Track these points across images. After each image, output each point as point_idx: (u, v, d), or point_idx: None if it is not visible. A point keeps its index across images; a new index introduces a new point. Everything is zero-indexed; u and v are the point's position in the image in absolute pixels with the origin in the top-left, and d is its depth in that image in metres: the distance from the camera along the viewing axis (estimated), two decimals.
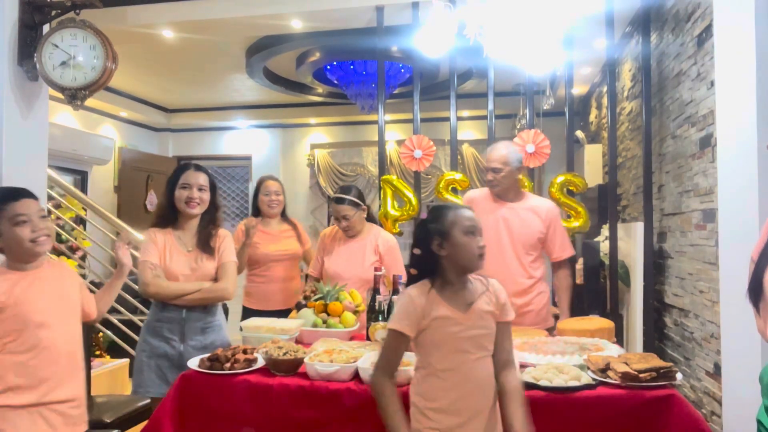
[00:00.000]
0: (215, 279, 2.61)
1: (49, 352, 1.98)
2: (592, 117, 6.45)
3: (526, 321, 2.93)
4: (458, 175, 3.81)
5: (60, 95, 2.80)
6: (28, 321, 1.95)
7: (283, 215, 3.65)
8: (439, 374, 1.73)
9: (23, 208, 2.00)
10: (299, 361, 2.10)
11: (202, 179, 2.65)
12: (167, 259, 2.58)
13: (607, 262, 3.92)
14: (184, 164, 2.72)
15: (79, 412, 2.07)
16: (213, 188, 2.70)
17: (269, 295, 3.43)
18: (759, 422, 1.61)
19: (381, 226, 3.42)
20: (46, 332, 1.98)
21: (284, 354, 2.10)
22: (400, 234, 3.97)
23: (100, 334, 4.60)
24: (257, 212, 3.59)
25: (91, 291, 2.36)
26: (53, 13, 2.85)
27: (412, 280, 1.82)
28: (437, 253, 1.75)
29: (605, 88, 4.65)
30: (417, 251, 1.79)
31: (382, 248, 3.11)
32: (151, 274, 2.54)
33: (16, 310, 1.94)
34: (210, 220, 2.69)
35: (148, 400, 2.81)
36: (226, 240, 2.69)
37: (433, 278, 1.78)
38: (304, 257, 3.65)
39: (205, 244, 2.63)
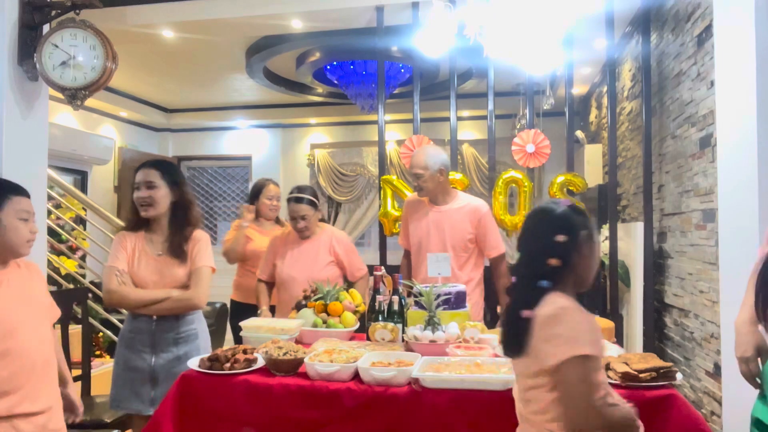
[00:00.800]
0: (187, 285, 2.43)
1: (21, 361, 1.83)
2: (592, 117, 6.45)
3: None
4: (458, 175, 3.81)
5: (60, 95, 2.80)
6: None
7: (277, 219, 3.79)
8: None
9: (29, 206, 1.99)
10: (299, 361, 2.10)
11: (152, 175, 2.41)
12: (135, 264, 2.42)
13: (607, 262, 3.92)
14: (142, 162, 2.52)
15: (58, 427, 1.95)
16: (175, 184, 2.46)
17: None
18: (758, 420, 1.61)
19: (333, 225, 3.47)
20: (16, 340, 1.83)
21: (284, 354, 2.10)
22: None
23: (101, 334, 4.60)
24: (255, 213, 3.67)
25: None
26: (53, 13, 2.85)
27: (550, 272, 1.47)
28: (570, 256, 1.47)
29: (605, 88, 4.65)
30: (562, 238, 1.46)
31: (339, 248, 3.09)
32: (117, 281, 2.38)
33: None
34: (183, 221, 2.46)
35: None
36: (201, 243, 2.47)
37: (555, 288, 1.46)
38: None
39: (177, 247, 2.43)
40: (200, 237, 2.49)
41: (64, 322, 2.93)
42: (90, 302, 3.81)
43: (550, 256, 1.46)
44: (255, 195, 3.69)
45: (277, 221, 3.78)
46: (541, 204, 1.58)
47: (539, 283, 1.46)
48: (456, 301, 2.56)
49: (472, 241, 3.06)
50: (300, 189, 3.06)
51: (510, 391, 1.92)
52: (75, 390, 2.20)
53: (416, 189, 3.09)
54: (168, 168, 2.47)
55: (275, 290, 3.20)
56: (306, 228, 3.05)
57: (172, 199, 2.47)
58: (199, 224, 2.53)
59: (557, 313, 1.41)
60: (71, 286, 4.54)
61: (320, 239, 3.09)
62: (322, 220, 3.24)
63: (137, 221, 2.48)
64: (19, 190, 2.00)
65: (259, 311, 3.03)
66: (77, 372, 2.96)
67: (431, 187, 3.03)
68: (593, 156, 5.70)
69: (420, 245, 3.09)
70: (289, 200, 3.06)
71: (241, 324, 2.58)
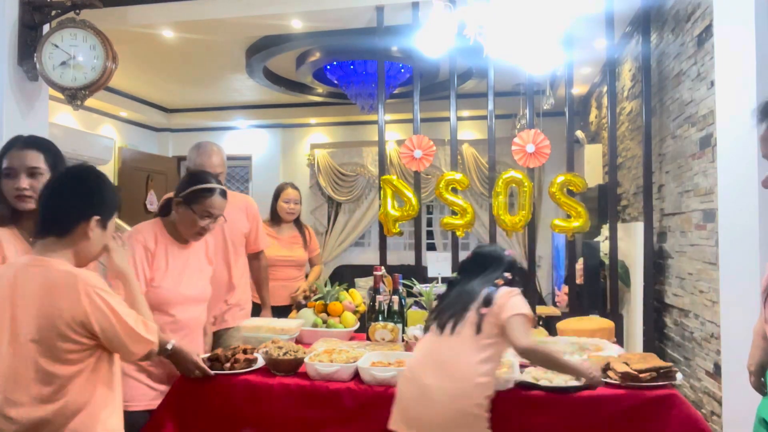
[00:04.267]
0: None
1: None
2: (592, 117, 6.45)
3: (238, 317, 2.87)
4: (458, 175, 3.81)
5: (60, 95, 2.81)
6: None
7: (296, 220, 3.72)
8: None
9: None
10: (299, 361, 2.10)
11: (34, 159, 1.87)
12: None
13: (607, 262, 3.92)
14: (10, 140, 1.94)
15: None
16: (57, 169, 1.89)
17: (272, 291, 3.37)
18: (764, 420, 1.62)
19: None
20: None
21: (284, 354, 2.10)
22: (400, 234, 3.97)
23: None
24: (275, 216, 3.66)
25: None
26: (53, 13, 2.85)
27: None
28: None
29: (605, 88, 4.65)
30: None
31: (212, 251, 2.48)
32: None
33: None
34: None
35: None
36: None
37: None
38: (310, 261, 3.76)
39: None
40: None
41: None
42: None
43: None
44: (275, 198, 3.69)
45: (296, 222, 3.72)
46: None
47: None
48: None
49: (246, 235, 2.98)
50: (216, 179, 2.32)
51: (510, 390, 1.93)
52: None
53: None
54: (50, 149, 1.94)
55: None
56: (208, 229, 2.29)
57: None
58: None
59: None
60: None
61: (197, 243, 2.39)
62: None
63: (5, 215, 1.88)
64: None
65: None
66: None
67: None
68: (593, 156, 5.70)
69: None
70: (207, 193, 2.23)
71: (242, 324, 2.58)
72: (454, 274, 2.14)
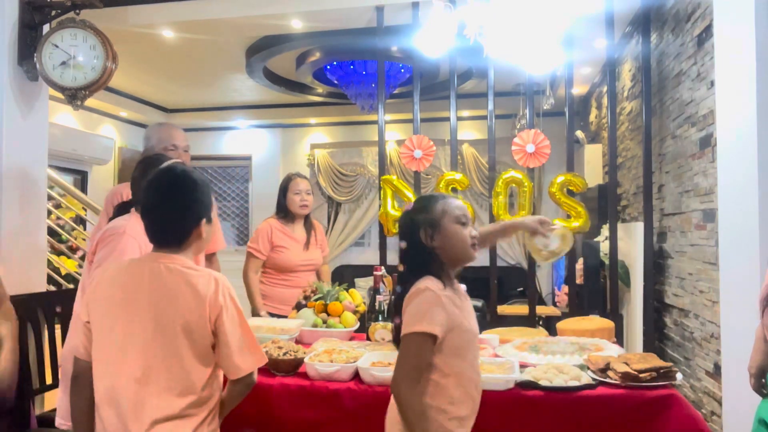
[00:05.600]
0: None
1: None
2: (592, 117, 6.45)
3: None
4: (458, 175, 3.81)
5: (60, 95, 2.80)
6: None
7: (307, 219, 3.45)
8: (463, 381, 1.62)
9: None
10: (299, 361, 2.10)
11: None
12: None
13: (607, 262, 3.92)
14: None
15: None
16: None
17: (287, 299, 3.23)
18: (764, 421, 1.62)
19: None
20: None
21: (284, 354, 2.10)
22: None
23: None
24: (284, 212, 3.38)
25: None
26: (53, 13, 2.85)
27: (402, 277, 1.66)
28: (427, 244, 1.63)
29: (605, 88, 4.65)
30: (403, 244, 1.67)
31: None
32: None
33: None
34: None
35: None
36: None
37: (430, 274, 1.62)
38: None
39: None
40: None
41: (65, 322, 2.93)
42: None
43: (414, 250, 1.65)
44: (283, 192, 3.38)
45: (307, 221, 3.43)
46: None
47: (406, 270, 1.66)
48: None
49: None
50: None
51: (510, 390, 1.93)
52: None
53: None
54: None
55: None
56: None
57: None
58: None
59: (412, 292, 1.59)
60: (71, 286, 4.54)
61: None
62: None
63: None
64: None
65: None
66: None
67: None
68: (593, 156, 5.70)
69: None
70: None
71: None
72: None
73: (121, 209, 2.18)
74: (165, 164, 1.76)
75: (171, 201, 1.64)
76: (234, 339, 1.58)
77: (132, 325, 1.56)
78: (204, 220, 1.67)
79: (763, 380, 1.81)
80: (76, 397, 1.64)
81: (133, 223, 2.01)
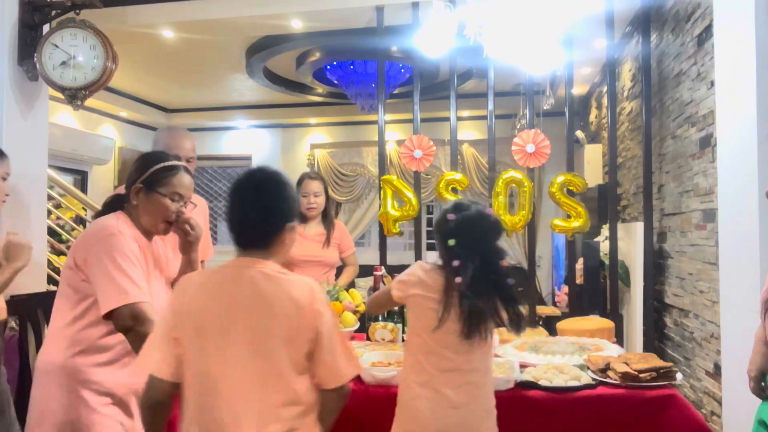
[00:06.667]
0: None
1: None
2: (592, 117, 6.45)
3: None
4: (458, 175, 3.81)
5: (60, 95, 2.80)
6: None
7: (325, 217, 3.35)
8: None
9: None
10: None
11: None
12: None
13: (607, 262, 3.92)
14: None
15: None
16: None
17: None
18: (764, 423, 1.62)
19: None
20: None
21: None
22: (400, 234, 3.96)
23: None
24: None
25: None
26: (53, 13, 2.85)
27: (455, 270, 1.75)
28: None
29: (605, 88, 4.65)
30: (453, 242, 1.78)
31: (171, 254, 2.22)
32: None
33: None
34: None
35: None
36: None
37: None
38: (343, 261, 3.42)
39: None
40: None
41: None
42: None
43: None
44: (297, 191, 3.30)
45: (325, 219, 3.33)
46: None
47: None
48: None
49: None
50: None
51: (510, 390, 1.93)
52: None
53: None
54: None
55: None
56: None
57: None
58: None
59: None
60: None
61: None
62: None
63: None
64: None
65: None
66: None
67: None
68: (593, 156, 5.70)
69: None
70: (170, 169, 1.98)
71: None
72: None
73: (113, 204, 2.00)
74: (255, 166, 1.67)
75: (257, 204, 1.54)
76: (336, 345, 1.49)
77: (231, 337, 1.45)
78: (290, 226, 1.56)
79: (763, 383, 1.81)
80: (154, 421, 1.50)
81: (122, 224, 1.87)
